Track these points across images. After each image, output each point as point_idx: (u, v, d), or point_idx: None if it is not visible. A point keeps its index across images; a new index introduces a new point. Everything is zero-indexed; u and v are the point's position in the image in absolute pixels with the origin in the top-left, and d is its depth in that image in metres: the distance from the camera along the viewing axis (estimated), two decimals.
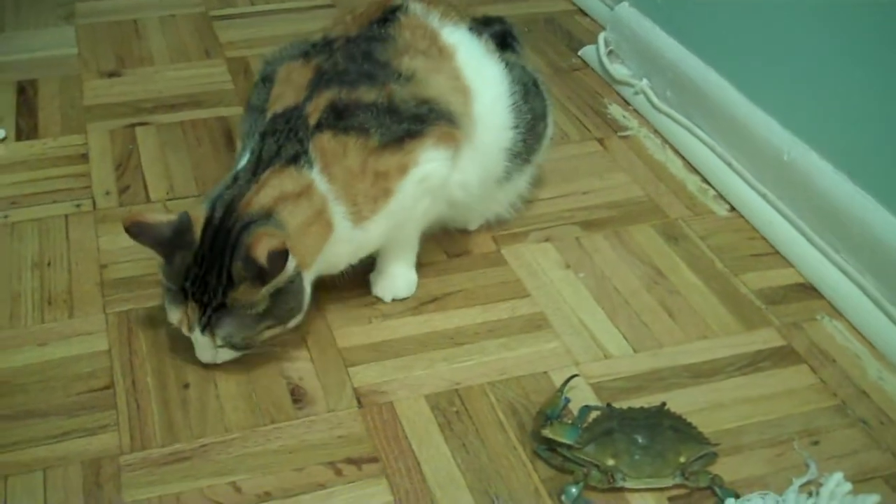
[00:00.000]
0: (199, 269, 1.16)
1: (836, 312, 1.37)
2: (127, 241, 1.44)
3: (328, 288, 1.37)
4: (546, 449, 1.14)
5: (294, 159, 1.20)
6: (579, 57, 2.01)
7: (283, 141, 1.21)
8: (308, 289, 1.22)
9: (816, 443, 1.17)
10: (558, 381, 1.24)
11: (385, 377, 1.25)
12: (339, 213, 1.21)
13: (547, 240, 1.50)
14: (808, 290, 1.41)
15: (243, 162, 1.23)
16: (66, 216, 1.52)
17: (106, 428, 1.17)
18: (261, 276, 1.13)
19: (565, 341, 1.32)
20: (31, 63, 1.95)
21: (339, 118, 1.22)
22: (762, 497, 1.09)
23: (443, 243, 1.48)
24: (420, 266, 1.42)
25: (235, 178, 1.21)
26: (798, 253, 1.46)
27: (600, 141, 1.75)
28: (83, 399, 1.21)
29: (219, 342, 1.19)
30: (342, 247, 1.24)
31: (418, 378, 1.25)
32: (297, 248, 1.17)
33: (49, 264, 1.42)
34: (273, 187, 1.18)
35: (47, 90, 1.86)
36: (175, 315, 1.20)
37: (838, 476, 1.10)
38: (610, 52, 1.92)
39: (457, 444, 1.16)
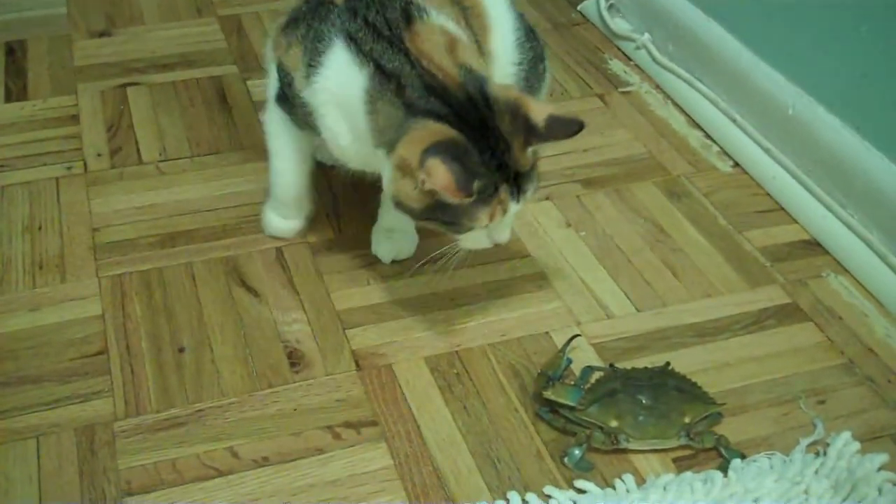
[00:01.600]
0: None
1: (841, 269, 1.35)
2: (120, 203, 1.44)
3: (326, 250, 1.35)
4: (548, 411, 1.12)
5: (411, 15, 1.13)
6: (579, 12, 1.97)
7: (384, 8, 1.14)
8: None
9: (823, 402, 1.15)
10: (560, 342, 1.21)
11: (384, 339, 1.23)
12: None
13: (547, 198, 1.47)
14: (813, 247, 1.39)
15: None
16: (57, 179, 1.49)
17: (100, 394, 1.15)
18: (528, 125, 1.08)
19: (567, 301, 1.29)
20: (19, 23, 1.91)
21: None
22: (768, 457, 1.08)
23: None
24: (418, 229, 1.40)
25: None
26: (803, 209, 1.44)
27: (601, 97, 1.72)
28: (76, 365, 1.19)
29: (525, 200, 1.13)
30: None
31: (418, 340, 1.23)
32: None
33: (40, 228, 1.40)
34: (437, 44, 1.12)
35: (36, 51, 1.82)
36: (483, 216, 1.10)
37: (846, 435, 1.08)
38: (611, 7, 1.88)
39: (457, 406, 1.14)
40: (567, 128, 1.10)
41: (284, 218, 1.37)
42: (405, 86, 1.09)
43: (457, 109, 1.08)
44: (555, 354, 1.17)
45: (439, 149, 1.03)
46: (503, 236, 1.15)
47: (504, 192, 1.09)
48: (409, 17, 1.13)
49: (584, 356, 1.20)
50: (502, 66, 1.30)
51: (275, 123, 1.30)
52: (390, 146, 1.09)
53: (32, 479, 1.05)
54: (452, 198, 1.04)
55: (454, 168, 1.02)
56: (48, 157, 1.54)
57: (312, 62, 1.15)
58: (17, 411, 1.13)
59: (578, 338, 1.21)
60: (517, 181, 1.09)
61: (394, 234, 1.35)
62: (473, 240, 1.14)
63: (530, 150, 1.10)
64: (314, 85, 1.15)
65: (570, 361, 1.18)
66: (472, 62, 1.12)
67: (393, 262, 1.35)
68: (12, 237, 1.38)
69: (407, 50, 1.10)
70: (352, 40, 1.13)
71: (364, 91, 1.11)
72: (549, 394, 1.10)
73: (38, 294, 1.29)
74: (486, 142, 1.07)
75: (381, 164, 1.13)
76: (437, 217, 1.10)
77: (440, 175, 1.02)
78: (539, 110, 1.08)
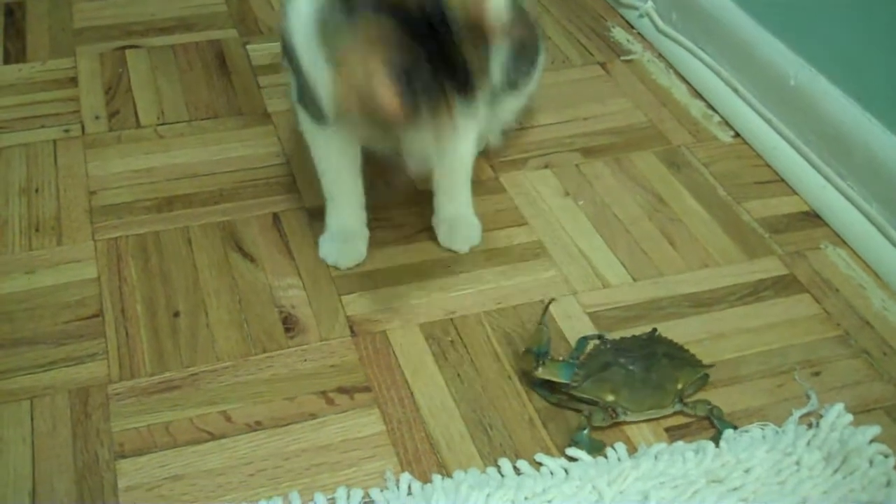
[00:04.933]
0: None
1: (840, 241, 1.34)
2: (118, 166, 1.44)
3: (322, 216, 1.34)
4: (541, 385, 1.11)
5: None
6: None
7: None
8: None
9: (818, 374, 1.15)
10: (556, 311, 1.21)
11: (379, 306, 1.23)
12: None
13: (546, 166, 1.47)
14: (812, 218, 1.38)
15: None
16: (55, 141, 1.49)
17: (94, 357, 1.15)
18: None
19: (563, 270, 1.29)
20: None
21: None
22: (761, 428, 1.08)
23: None
24: (416, 192, 1.39)
25: None
26: (803, 180, 1.43)
27: (603, 65, 1.71)
28: (71, 327, 1.19)
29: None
30: None
31: (413, 307, 1.23)
32: None
33: (37, 190, 1.39)
34: None
35: (35, 12, 1.81)
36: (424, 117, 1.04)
37: (839, 407, 1.08)
38: None
39: (451, 373, 1.15)
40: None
41: (343, 242, 1.31)
42: None
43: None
44: (535, 328, 1.16)
45: (377, 45, 0.99)
46: (452, 142, 1.11)
47: (448, 92, 1.03)
48: None
49: (580, 325, 1.20)
50: None
51: (309, 133, 1.26)
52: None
53: (26, 441, 1.06)
54: (387, 98, 0.98)
55: (390, 65, 0.98)
56: (46, 120, 1.53)
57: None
58: (12, 373, 1.13)
59: (553, 303, 1.20)
60: (465, 81, 1.04)
61: (466, 220, 1.34)
62: (419, 142, 1.11)
63: (483, 49, 1.04)
64: (289, 21, 1.11)
65: (546, 329, 1.16)
66: None
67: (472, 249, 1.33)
68: (9, 199, 1.38)
69: None
70: None
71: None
72: (540, 373, 1.09)
73: (34, 256, 1.29)
74: (431, 40, 1.01)
75: None
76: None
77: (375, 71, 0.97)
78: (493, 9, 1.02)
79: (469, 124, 1.09)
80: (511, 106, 1.42)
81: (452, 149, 1.11)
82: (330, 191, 1.29)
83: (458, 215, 1.33)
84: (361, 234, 1.31)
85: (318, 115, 1.20)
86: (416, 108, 1.01)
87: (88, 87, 1.61)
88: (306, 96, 1.20)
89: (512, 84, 1.36)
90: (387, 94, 0.96)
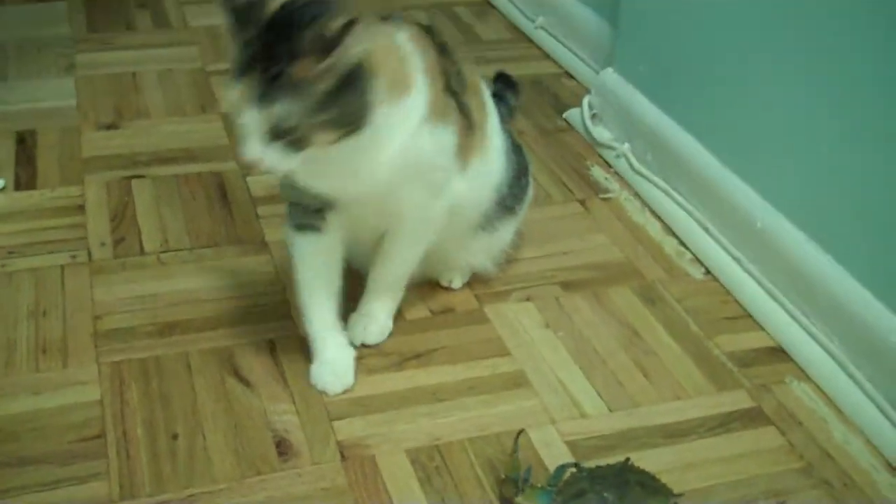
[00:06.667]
0: (268, 38, 1.10)
1: (804, 376, 1.42)
2: (122, 292, 1.51)
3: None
4: None
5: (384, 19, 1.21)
6: (564, 119, 2.07)
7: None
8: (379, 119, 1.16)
9: (783, 503, 1.22)
10: (536, 439, 1.28)
11: (368, 431, 1.30)
12: (419, 85, 1.21)
13: (528, 299, 1.55)
14: (777, 354, 1.46)
15: None
16: (62, 266, 1.56)
17: (97, 476, 1.21)
18: (327, 46, 1.07)
19: (543, 399, 1.36)
20: (31, 113, 2.01)
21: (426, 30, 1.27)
22: None
23: (427, 300, 1.53)
24: (404, 322, 1.47)
25: None
26: (769, 317, 1.51)
27: (582, 202, 1.81)
28: (75, 448, 1.25)
29: (272, 122, 1.10)
30: (405, 132, 1.21)
31: (400, 432, 1.30)
32: (386, 61, 1.15)
33: (44, 314, 1.46)
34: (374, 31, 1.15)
35: (46, 141, 1.91)
36: (231, 94, 1.12)
37: None
38: (594, 116, 1.99)
39: (436, 498, 1.20)
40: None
41: (333, 370, 1.37)
42: None
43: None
44: (510, 456, 1.21)
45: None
46: (245, 147, 1.13)
47: (250, 81, 1.10)
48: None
49: (557, 453, 1.27)
50: (491, 166, 1.40)
51: (295, 250, 1.35)
52: None
53: None
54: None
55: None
56: (54, 245, 1.61)
57: None
58: (18, 491, 1.18)
59: (522, 434, 1.24)
60: (273, 83, 1.08)
61: (372, 317, 1.44)
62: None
63: (308, 62, 1.08)
64: None
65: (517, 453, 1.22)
66: None
67: (362, 345, 1.42)
68: (18, 321, 1.45)
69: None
70: None
71: None
72: (521, 499, 1.16)
73: (40, 378, 1.35)
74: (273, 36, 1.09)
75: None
76: None
77: None
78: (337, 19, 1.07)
79: (255, 127, 1.12)
80: (503, 233, 1.51)
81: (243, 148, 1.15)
82: (309, 312, 1.36)
83: (369, 312, 1.43)
84: (349, 362, 1.38)
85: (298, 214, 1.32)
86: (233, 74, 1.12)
87: (95, 215, 1.69)
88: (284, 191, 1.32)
89: (507, 207, 1.47)
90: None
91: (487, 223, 1.46)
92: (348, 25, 1.07)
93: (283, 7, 1.10)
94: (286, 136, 1.11)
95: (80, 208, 1.71)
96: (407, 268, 1.41)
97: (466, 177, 1.33)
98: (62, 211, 1.71)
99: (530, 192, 1.55)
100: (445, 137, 1.26)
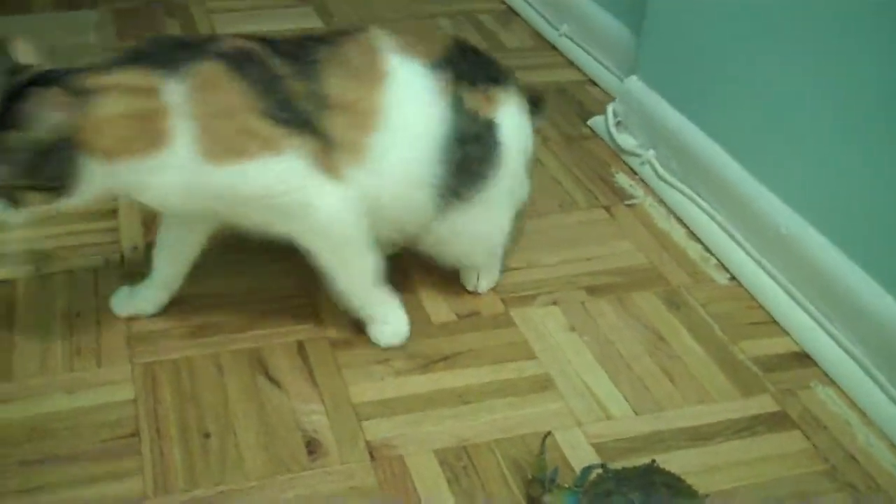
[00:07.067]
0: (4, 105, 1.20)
1: (828, 380, 1.43)
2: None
3: (345, 345, 1.44)
4: None
5: (163, 65, 1.24)
6: (589, 126, 2.09)
7: (176, 51, 1.27)
8: (96, 179, 1.24)
9: None
10: (562, 440, 1.30)
11: (396, 432, 1.32)
12: (185, 133, 1.24)
13: (554, 303, 1.57)
14: (802, 359, 1.48)
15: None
16: (96, 269, 1.59)
17: (131, 473, 1.23)
18: (21, 121, 1.18)
19: (569, 402, 1.38)
20: None
21: (245, 61, 1.28)
22: None
23: (453, 304, 1.55)
24: (430, 325, 1.50)
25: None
26: (794, 322, 1.52)
27: (607, 209, 1.82)
28: (109, 446, 1.27)
29: None
30: (177, 175, 1.26)
31: (428, 434, 1.31)
32: (98, 130, 1.21)
33: (78, 315, 1.49)
34: (118, 75, 1.24)
35: None
36: None
37: None
38: (618, 123, 2.00)
39: (464, 499, 1.22)
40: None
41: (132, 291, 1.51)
42: None
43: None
44: (537, 457, 1.23)
45: None
46: None
47: None
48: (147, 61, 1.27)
49: (583, 455, 1.29)
50: (409, 163, 1.36)
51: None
52: None
53: None
54: None
55: None
56: (87, 249, 1.64)
57: None
58: (54, 487, 1.21)
59: (549, 436, 1.27)
60: None
61: (377, 321, 1.47)
62: None
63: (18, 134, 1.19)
64: None
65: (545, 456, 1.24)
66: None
67: (387, 347, 1.46)
68: (52, 323, 1.47)
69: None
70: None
71: None
72: (548, 499, 1.18)
73: (75, 377, 1.38)
74: None
75: None
76: None
77: None
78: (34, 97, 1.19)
79: None
80: (473, 221, 1.44)
81: None
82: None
83: (370, 318, 1.46)
84: (154, 292, 1.49)
85: None
86: None
87: (127, 219, 1.72)
88: None
89: (459, 196, 1.40)
90: None
91: (438, 213, 1.41)
92: (40, 102, 1.17)
93: (22, 79, 1.22)
94: (2, 194, 1.22)
95: (113, 213, 1.74)
96: (354, 280, 1.42)
97: (350, 184, 1.32)
98: (96, 215, 1.73)
99: (501, 180, 1.44)
100: (260, 169, 1.27)
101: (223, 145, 1.26)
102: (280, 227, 1.36)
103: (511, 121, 1.43)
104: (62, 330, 1.46)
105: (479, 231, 1.49)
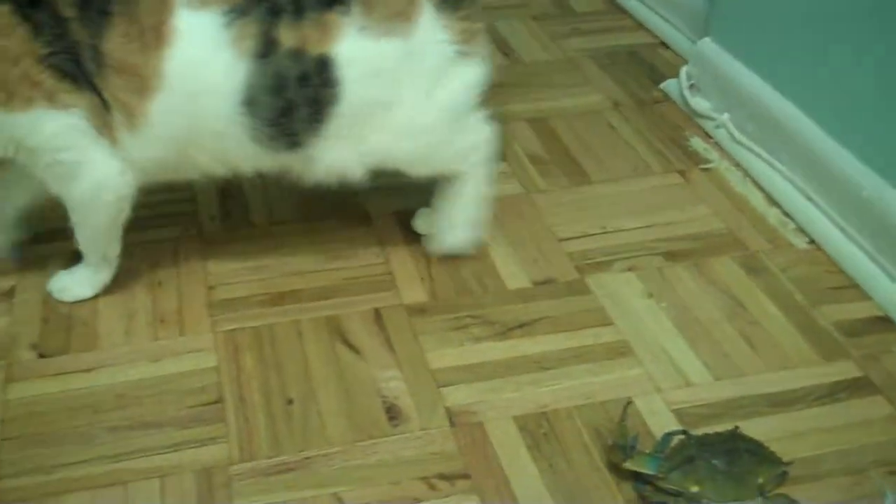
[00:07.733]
0: None
1: None
2: (233, 263, 1.56)
3: (420, 312, 1.44)
4: (635, 478, 1.19)
5: None
6: (661, 90, 2.06)
7: None
8: None
9: (893, 472, 1.21)
10: (642, 406, 1.30)
11: (475, 398, 1.32)
12: None
13: (630, 269, 1.56)
14: (885, 323, 1.45)
15: None
16: (175, 239, 1.62)
17: (216, 439, 1.26)
18: None
19: (648, 368, 1.37)
20: None
21: (33, 4, 1.24)
22: None
23: (529, 271, 1.55)
24: (506, 292, 1.50)
25: None
26: (876, 286, 1.50)
27: (682, 173, 1.80)
28: (194, 412, 1.30)
29: None
30: None
31: (507, 400, 1.32)
32: None
33: (160, 284, 1.52)
34: None
35: None
36: None
37: None
38: (692, 86, 1.97)
39: (544, 464, 1.23)
40: None
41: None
42: None
43: None
44: (618, 424, 1.24)
45: None
46: None
47: None
48: None
49: (664, 421, 1.28)
50: (206, 118, 1.32)
51: None
52: None
53: None
54: None
55: None
56: (166, 220, 1.66)
57: None
58: (142, 452, 1.24)
59: (631, 404, 1.28)
60: None
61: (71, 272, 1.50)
62: None
63: None
64: None
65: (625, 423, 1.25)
66: None
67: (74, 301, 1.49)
68: (136, 292, 1.50)
69: None
70: None
71: None
72: (629, 464, 1.18)
73: (159, 346, 1.40)
74: None
75: None
76: None
77: None
78: None
79: None
80: (318, 155, 1.39)
81: None
82: None
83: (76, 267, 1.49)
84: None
85: None
86: None
87: (205, 190, 1.74)
88: None
89: (290, 136, 1.35)
90: None
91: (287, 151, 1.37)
92: None
93: None
94: None
95: (189, 185, 1.76)
96: (90, 237, 1.45)
97: (126, 149, 1.33)
98: (172, 187, 1.75)
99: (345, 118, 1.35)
100: (44, 120, 1.27)
101: (7, 91, 1.26)
102: (53, 186, 1.37)
103: (358, 45, 1.29)
104: (145, 300, 1.49)
105: (369, 150, 1.39)
